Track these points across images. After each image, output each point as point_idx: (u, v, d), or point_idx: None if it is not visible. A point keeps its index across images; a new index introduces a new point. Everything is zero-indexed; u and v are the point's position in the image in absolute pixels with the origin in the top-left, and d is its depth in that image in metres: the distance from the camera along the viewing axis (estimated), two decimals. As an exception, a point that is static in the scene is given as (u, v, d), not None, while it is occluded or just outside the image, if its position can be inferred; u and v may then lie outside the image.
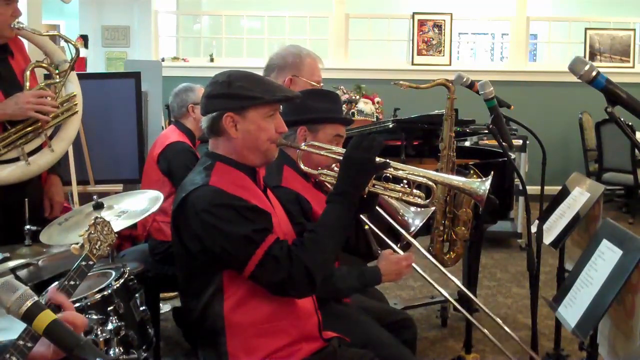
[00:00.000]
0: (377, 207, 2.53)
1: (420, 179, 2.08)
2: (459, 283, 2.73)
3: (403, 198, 2.10)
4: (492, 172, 2.18)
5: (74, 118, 2.84)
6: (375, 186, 2.07)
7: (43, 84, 2.78)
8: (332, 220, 1.98)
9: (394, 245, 2.55)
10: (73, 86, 2.86)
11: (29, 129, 2.68)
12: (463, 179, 2.17)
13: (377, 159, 2.01)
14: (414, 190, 2.09)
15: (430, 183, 2.08)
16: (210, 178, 1.96)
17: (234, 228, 1.89)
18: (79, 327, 1.35)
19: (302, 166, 2.24)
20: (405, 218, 2.64)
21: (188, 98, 3.66)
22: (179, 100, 3.69)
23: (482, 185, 2.08)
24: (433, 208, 2.76)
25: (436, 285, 2.64)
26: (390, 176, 2.10)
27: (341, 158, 2.05)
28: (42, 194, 2.89)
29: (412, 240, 2.60)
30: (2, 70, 2.73)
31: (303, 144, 2.23)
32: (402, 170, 2.10)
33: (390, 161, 2.06)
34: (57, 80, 2.80)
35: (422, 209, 2.65)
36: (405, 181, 2.10)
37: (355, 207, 2.01)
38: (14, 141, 2.66)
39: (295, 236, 2.10)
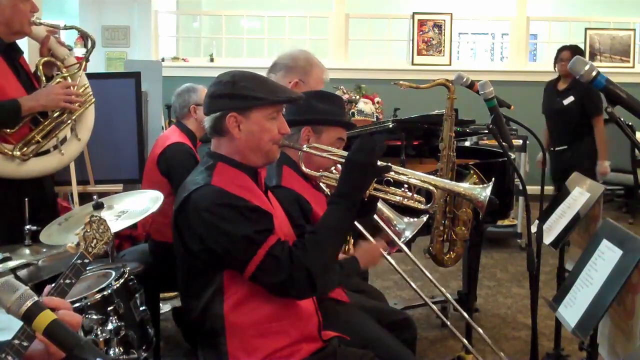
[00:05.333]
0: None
1: (421, 184, 2.08)
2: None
3: (404, 202, 2.10)
4: (493, 178, 2.18)
5: (91, 107, 2.96)
6: (376, 189, 2.08)
7: (60, 77, 2.84)
8: (333, 221, 1.98)
9: (384, 253, 2.59)
10: (82, 78, 2.96)
11: (60, 118, 2.81)
12: (465, 185, 2.17)
13: (379, 162, 2.01)
14: (415, 195, 2.09)
15: (431, 188, 2.09)
16: (212, 178, 1.96)
17: (236, 228, 1.89)
18: (74, 326, 1.35)
19: (303, 168, 2.24)
20: (397, 229, 2.68)
21: (190, 99, 3.65)
22: (181, 100, 3.68)
23: (483, 191, 2.08)
24: (424, 220, 2.79)
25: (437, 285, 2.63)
26: (391, 180, 2.10)
27: (343, 160, 2.05)
28: (43, 194, 2.90)
29: (404, 247, 2.67)
30: (19, 69, 2.81)
31: (305, 145, 2.23)
32: (404, 174, 2.10)
33: (392, 165, 2.06)
34: (75, 71, 2.90)
35: (414, 220, 2.70)
36: (406, 185, 2.10)
37: (356, 209, 2.01)
38: (50, 132, 2.79)
39: (295, 237, 2.10)
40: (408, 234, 2.69)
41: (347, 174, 2.00)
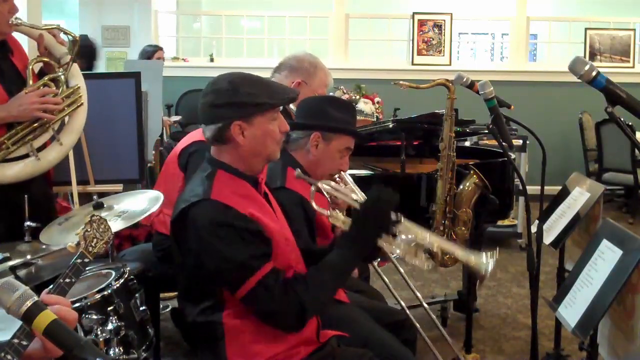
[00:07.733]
0: None
1: (426, 245, 2.07)
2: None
3: (405, 259, 2.09)
4: (497, 248, 2.15)
5: (80, 110, 2.83)
6: (382, 239, 2.05)
7: (46, 79, 2.75)
8: (339, 265, 2.00)
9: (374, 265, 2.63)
10: (76, 79, 2.85)
11: (36, 124, 2.68)
12: (469, 253, 2.10)
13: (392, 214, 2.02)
14: (419, 253, 2.08)
15: (435, 250, 2.08)
16: (211, 190, 1.92)
17: (232, 251, 1.86)
18: (70, 322, 1.34)
19: (313, 205, 2.13)
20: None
21: None
22: None
23: (487, 265, 2.01)
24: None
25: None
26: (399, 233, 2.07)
27: (356, 205, 2.04)
28: (45, 192, 2.88)
29: (396, 262, 2.74)
30: (4, 67, 2.74)
31: (321, 182, 2.14)
32: (412, 230, 2.07)
33: (403, 218, 2.05)
34: (59, 73, 2.78)
35: (410, 238, 2.72)
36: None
37: (364, 256, 2.06)
38: (22, 138, 2.66)
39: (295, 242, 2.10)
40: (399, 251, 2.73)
41: (362, 222, 2.00)
